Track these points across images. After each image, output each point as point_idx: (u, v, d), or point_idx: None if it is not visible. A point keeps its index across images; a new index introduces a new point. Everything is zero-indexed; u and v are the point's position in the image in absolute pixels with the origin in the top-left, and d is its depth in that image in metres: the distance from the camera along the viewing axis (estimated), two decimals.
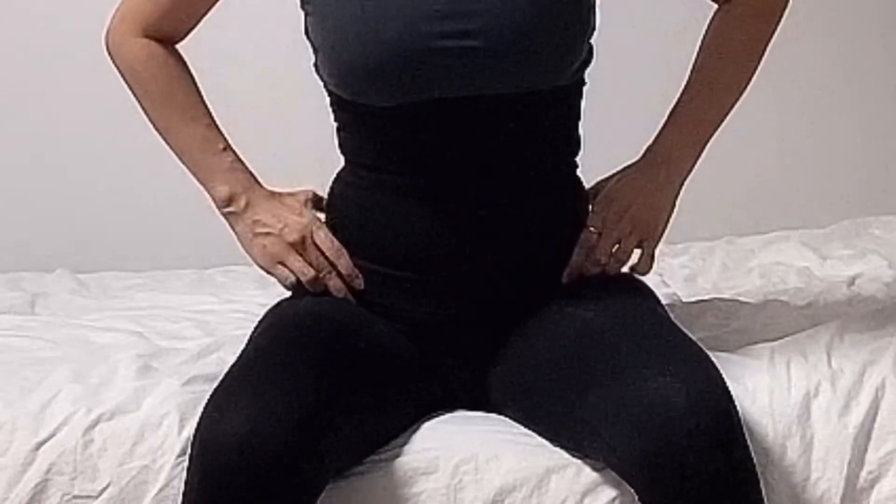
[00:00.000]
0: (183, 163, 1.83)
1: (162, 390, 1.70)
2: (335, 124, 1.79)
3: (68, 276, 2.71)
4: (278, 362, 1.55)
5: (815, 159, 3.31)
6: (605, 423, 1.49)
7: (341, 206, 1.78)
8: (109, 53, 1.85)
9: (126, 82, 1.85)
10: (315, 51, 1.73)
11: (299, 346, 1.59)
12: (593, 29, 1.73)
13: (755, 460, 1.49)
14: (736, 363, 1.69)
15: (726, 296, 2.23)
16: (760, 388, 1.67)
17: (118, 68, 1.85)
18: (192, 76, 1.84)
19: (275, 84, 2.92)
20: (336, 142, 1.80)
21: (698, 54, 1.81)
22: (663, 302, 1.85)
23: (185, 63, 1.85)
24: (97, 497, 1.63)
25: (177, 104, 1.81)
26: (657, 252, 1.82)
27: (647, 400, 1.46)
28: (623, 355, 1.53)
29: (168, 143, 1.84)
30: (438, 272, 1.69)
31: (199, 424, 1.50)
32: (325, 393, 1.51)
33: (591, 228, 1.74)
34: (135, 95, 1.84)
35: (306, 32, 1.74)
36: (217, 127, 1.83)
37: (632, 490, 1.51)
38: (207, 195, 1.83)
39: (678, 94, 1.81)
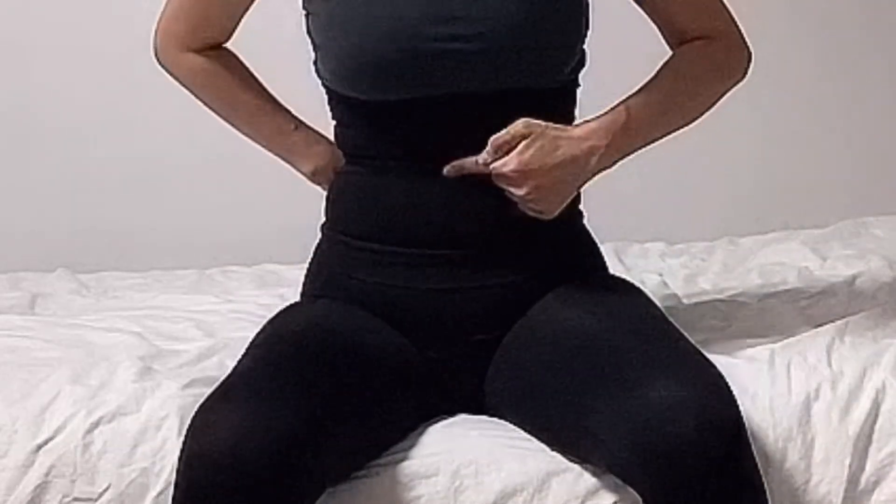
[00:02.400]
0: (264, 149, 1.92)
1: (162, 393, 1.70)
2: (333, 122, 1.82)
3: (68, 276, 2.70)
4: (269, 376, 1.55)
5: (815, 159, 3.31)
6: (609, 430, 1.49)
7: (342, 197, 1.81)
8: (165, 70, 1.93)
9: (189, 90, 1.93)
10: (316, 49, 1.77)
11: (293, 360, 1.59)
12: (586, 32, 1.76)
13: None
14: (736, 365, 1.69)
15: (726, 296, 2.23)
16: (761, 391, 1.67)
17: (178, 82, 1.93)
18: (243, 71, 1.91)
19: (275, 83, 2.93)
20: (334, 140, 1.83)
21: (662, 77, 1.78)
22: (663, 302, 1.85)
23: (233, 62, 1.91)
24: (97, 499, 1.63)
25: (238, 106, 1.90)
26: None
27: (650, 407, 1.46)
28: (625, 361, 1.53)
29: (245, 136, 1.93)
30: (439, 245, 1.71)
31: (186, 436, 1.49)
32: (317, 407, 1.51)
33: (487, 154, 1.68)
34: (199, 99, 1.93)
35: (308, 31, 1.77)
36: (282, 109, 1.91)
37: (632, 494, 1.51)
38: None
39: (631, 93, 1.77)
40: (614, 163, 1.71)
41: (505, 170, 1.65)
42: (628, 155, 1.73)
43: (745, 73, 1.82)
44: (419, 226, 1.71)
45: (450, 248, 1.71)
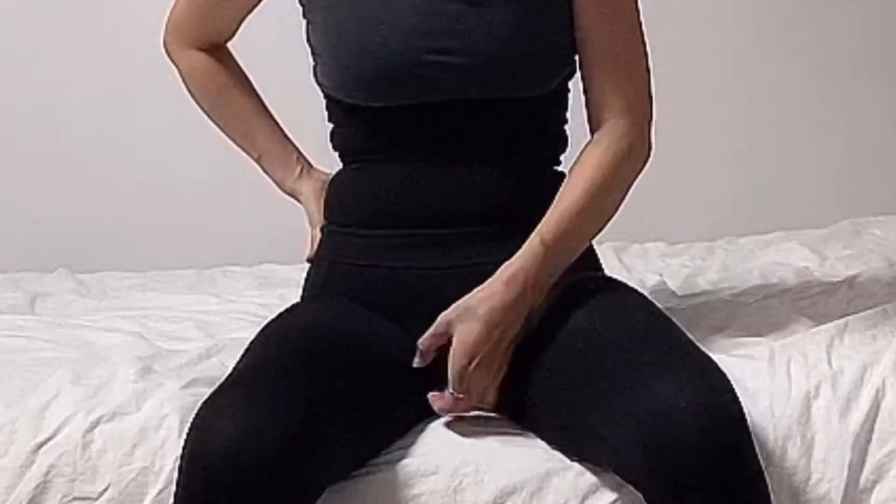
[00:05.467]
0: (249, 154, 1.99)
1: (162, 392, 1.70)
2: (330, 125, 1.86)
3: (68, 276, 2.71)
4: (270, 376, 1.55)
5: (815, 159, 3.31)
6: (611, 428, 1.50)
7: (338, 193, 1.84)
8: (172, 62, 2.00)
9: (185, 86, 1.99)
10: (315, 56, 1.82)
11: (294, 359, 1.60)
12: (574, 45, 1.78)
13: None
14: (736, 364, 1.69)
15: (726, 296, 2.23)
16: (761, 390, 1.67)
17: (179, 75, 2.00)
18: (241, 73, 1.99)
19: (273, 86, 2.93)
20: (329, 143, 1.86)
21: (564, 194, 1.74)
22: (663, 302, 1.84)
23: (232, 63, 1.99)
24: (97, 499, 1.63)
25: (233, 106, 1.97)
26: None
27: (653, 405, 1.46)
28: (627, 359, 1.54)
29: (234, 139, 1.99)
30: (432, 225, 1.73)
31: (188, 435, 1.50)
32: (318, 406, 1.51)
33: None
34: (193, 97, 2.00)
35: (308, 38, 1.83)
36: (273, 117, 1.97)
37: (632, 492, 1.51)
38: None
39: (545, 220, 1.72)
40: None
41: (472, 369, 1.63)
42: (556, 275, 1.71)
43: (642, 170, 1.78)
44: (412, 207, 1.74)
45: (443, 228, 1.73)
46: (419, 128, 1.75)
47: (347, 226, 1.81)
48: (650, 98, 1.79)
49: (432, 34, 1.71)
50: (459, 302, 1.65)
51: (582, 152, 1.77)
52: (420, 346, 1.67)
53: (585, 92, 1.78)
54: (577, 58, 1.80)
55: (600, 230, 1.77)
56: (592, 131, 1.78)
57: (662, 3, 2.83)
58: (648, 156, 1.79)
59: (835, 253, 2.60)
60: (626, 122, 1.76)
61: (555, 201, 1.73)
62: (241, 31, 1.97)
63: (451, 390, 1.65)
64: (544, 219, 1.71)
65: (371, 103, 1.75)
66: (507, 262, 1.68)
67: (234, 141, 1.98)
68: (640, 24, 1.78)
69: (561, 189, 1.74)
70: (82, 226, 3.11)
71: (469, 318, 1.64)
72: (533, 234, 1.70)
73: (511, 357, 1.68)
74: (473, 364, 1.63)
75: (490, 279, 1.67)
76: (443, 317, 1.66)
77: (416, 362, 1.67)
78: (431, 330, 1.66)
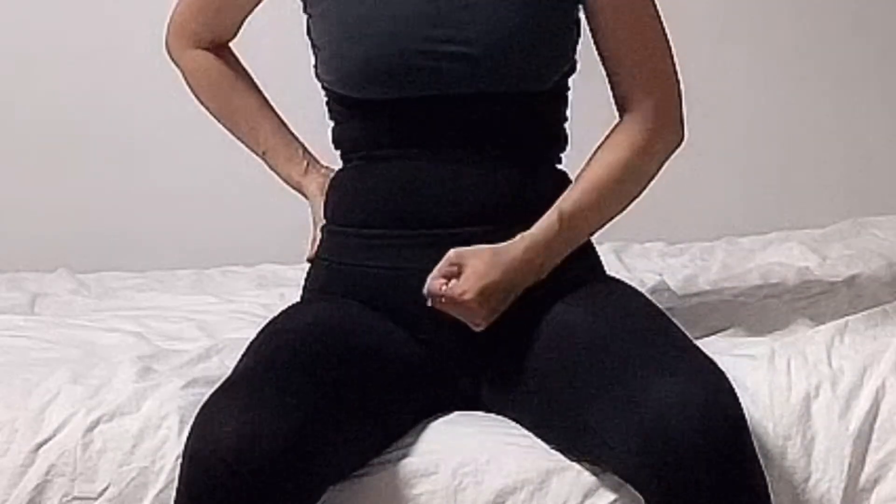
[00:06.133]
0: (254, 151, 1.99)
1: (162, 393, 1.70)
2: (331, 122, 1.85)
3: (68, 276, 2.71)
4: (271, 376, 1.55)
5: (815, 159, 3.31)
6: (611, 429, 1.50)
7: (338, 192, 1.84)
8: (174, 63, 2.01)
9: (188, 86, 2.00)
10: (315, 49, 1.82)
11: (295, 359, 1.60)
12: (577, 40, 1.79)
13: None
14: (736, 364, 1.69)
15: (726, 296, 2.23)
16: (761, 389, 1.67)
17: (183, 77, 2.00)
18: (245, 72, 1.99)
19: (272, 88, 2.94)
20: (331, 142, 1.86)
21: (590, 171, 1.76)
22: (663, 302, 1.84)
23: (236, 63, 1.99)
24: (97, 498, 1.63)
25: (238, 104, 1.97)
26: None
27: (653, 406, 1.46)
28: (627, 360, 1.54)
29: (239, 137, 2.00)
30: (431, 226, 1.73)
31: (189, 436, 1.50)
32: (320, 405, 1.51)
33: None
34: (196, 96, 2.00)
35: (308, 33, 1.82)
36: (278, 115, 1.97)
37: (632, 492, 1.52)
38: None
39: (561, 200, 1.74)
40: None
41: (466, 297, 1.63)
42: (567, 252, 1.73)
43: (673, 152, 1.81)
44: (412, 206, 1.74)
45: (443, 227, 1.73)
46: (420, 124, 1.74)
47: (347, 226, 1.81)
48: (676, 79, 1.79)
49: (437, 24, 1.71)
50: (470, 247, 1.66)
51: (609, 133, 1.78)
52: (427, 286, 1.64)
53: (609, 77, 1.80)
54: (577, 57, 1.80)
55: (621, 211, 1.78)
56: (620, 115, 1.79)
57: (662, 3, 2.84)
58: (680, 139, 1.80)
59: (835, 253, 2.61)
60: (652, 105, 1.77)
61: (577, 178, 1.76)
62: (241, 32, 1.97)
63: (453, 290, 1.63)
64: (564, 194, 1.74)
65: (373, 96, 1.75)
66: (522, 233, 1.69)
67: (239, 138, 1.99)
68: (654, 3, 1.79)
69: (584, 166, 1.76)
70: (82, 226, 3.11)
71: (481, 256, 1.65)
72: (552, 208, 1.71)
73: (509, 355, 1.69)
74: (476, 292, 1.63)
75: (503, 243, 1.67)
76: (453, 252, 1.65)
77: (429, 301, 1.65)
78: (439, 265, 1.65)
